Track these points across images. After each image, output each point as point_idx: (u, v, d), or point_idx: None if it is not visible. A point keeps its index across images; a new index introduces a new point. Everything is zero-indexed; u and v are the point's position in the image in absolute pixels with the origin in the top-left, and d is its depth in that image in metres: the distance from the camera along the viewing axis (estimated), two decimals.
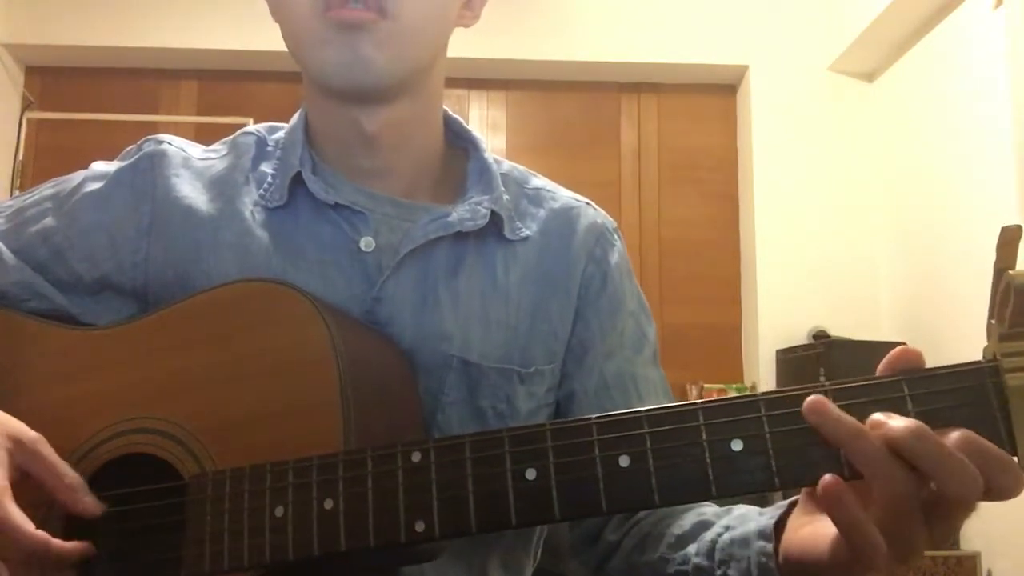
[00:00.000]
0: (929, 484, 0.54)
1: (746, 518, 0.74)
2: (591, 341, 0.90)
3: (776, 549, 0.67)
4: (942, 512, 0.55)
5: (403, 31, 0.80)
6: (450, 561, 0.81)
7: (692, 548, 0.78)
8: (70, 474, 0.74)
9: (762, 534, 0.69)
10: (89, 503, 0.74)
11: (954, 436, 0.54)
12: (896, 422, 0.54)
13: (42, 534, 0.70)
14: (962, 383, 0.55)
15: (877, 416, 0.55)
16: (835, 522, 0.56)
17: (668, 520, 0.83)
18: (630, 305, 0.94)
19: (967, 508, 0.55)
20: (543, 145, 3.87)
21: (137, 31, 3.76)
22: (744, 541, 0.71)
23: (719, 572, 0.73)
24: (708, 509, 0.81)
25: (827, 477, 0.55)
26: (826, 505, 0.56)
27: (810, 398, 0.56)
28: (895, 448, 0.54)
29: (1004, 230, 0.53)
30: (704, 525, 0.79)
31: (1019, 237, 0.54)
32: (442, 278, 0.85)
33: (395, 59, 0.81)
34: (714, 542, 0.75)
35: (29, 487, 0.73)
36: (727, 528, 0.75)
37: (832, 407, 0.56)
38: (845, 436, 0.55)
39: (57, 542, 0.71)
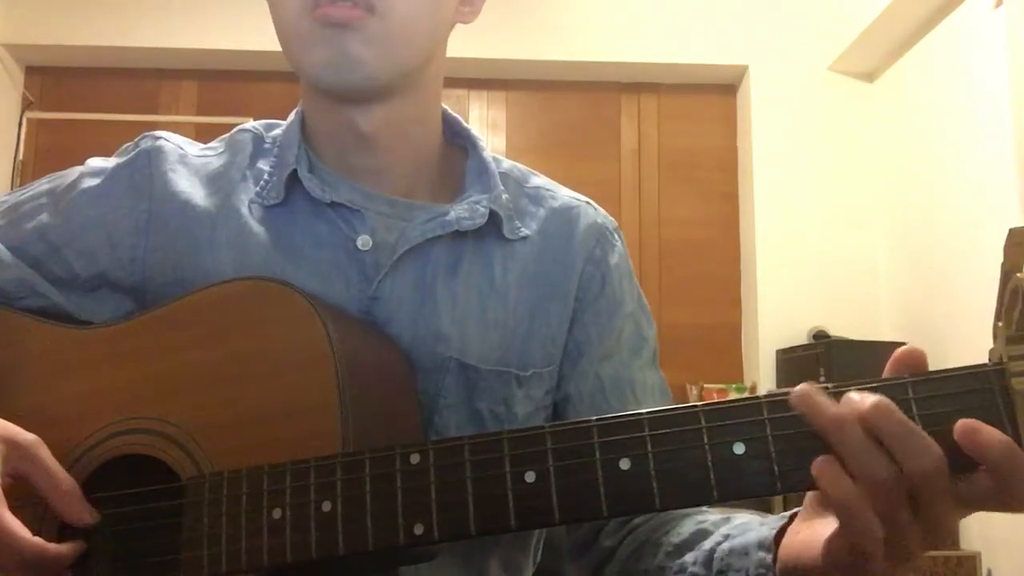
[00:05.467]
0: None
1: (746, 527, 0.72)
2: (587, 344, 0.89)
3: (775, 560, 0.66)
4: (924, 500, 0.54)
5: (392, 29, 0.79)
6: (450, 562, 0.81)
7: (690, 557, 0.76)
8: (67, 480, 0.73)
9: (762, 545, 0.68)
10: (83, 512, 0.73)
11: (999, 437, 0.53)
12: (865, 399, 0.55)
13: (38, 540, 0.70)
14: (968, 386, 0.55)
15: (851, 395, 0.55)
16: (830, 501, 0.56)
17: (666, 527, 0.81)
18: (629, 307, 0.93)
19: (940, 493, 0.54)
20: (543, 145, 3.86)
21: (137, 31, 3.76)
22: (743, 551, 0.70)
23: None
24: (708, 517, 0.80)
25: (820, 459, 0.55)
26: (821, 486, 0.56)
27: (799, 387, 0.56)
28: (864, 424, 0.54)
29: (1012, 232, 0.53)
30: (703, 534, 0.77)
31: None
32: (440, 278, 0.85)
33: (384, 57, 0.80)
34: (712, 551, 0.73)
35: (23, 485, 0.73)
36: (727, 537, 0.73)
37: (818, 396, 0.56)
38: (827, 424, 0.55)
39: (53, 546, 0.70)
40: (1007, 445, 0.53)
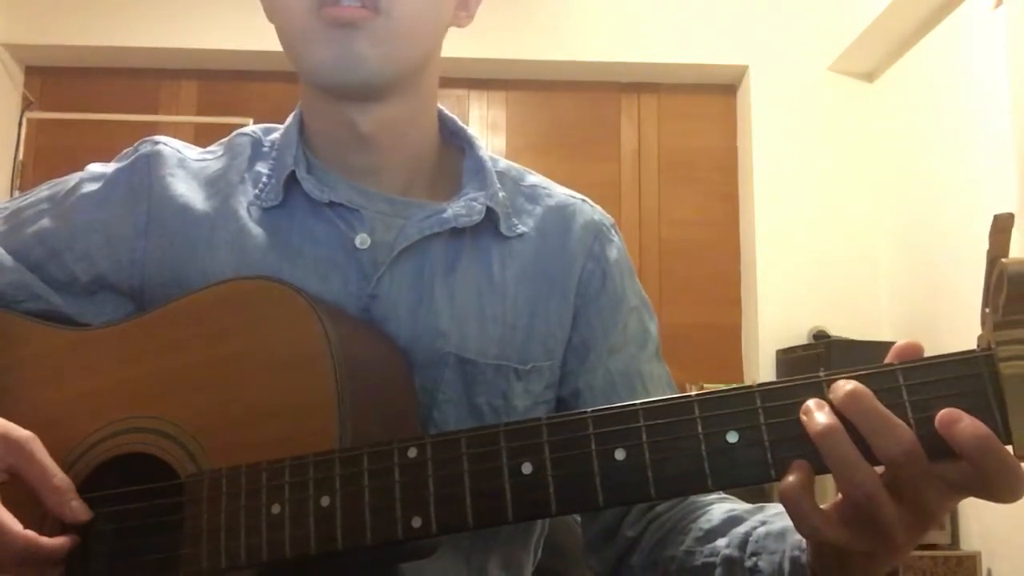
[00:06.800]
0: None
1: (784, 515, 0.72)
2: (593, 339, 0.90)
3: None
4: (903, 485, 0.55)
5: (397, 28, 0.80)
6: (450, 560, 0.82)
7: (722, 541, 0.77)
8: (59, 476, 0.73)
9: None
10: (76, 507, 0.73)
11: (976, 430, 0.54)
12: (843, 387, 0.55)
13: (29, 533, 0.70)
14: (957, 372, 0.55)
15: (836, 383, 0.56)
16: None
17: (694, 515, 0.82)
18: (632, 301, 0.93)
19: (919, 478, 0.54)
20: (543, 145, 3.86)
21: (137, 31, 3.76)
22: (781, 535, 0.71)
23: (748, 563, 0.73)
24: (739, 505, 0.81)
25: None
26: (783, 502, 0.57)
27: (807, 402, 0.56)
28: (839, 412, 0.55)
29: (997, 218, 0.53)
30: (736, 520, 0.78)
31: (1012, 225, 0.54)
32: (438, 275, 0.85)
33: (388, 56, 0.81)
34: (748, 534, 0.75)
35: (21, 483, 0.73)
36: (763, 523, 0.75)
37: (813, 408, 0.56)
38: (814, 434, 0.56)
39: (45, 539, 0.71)
40: (984, 437, 0.53)
